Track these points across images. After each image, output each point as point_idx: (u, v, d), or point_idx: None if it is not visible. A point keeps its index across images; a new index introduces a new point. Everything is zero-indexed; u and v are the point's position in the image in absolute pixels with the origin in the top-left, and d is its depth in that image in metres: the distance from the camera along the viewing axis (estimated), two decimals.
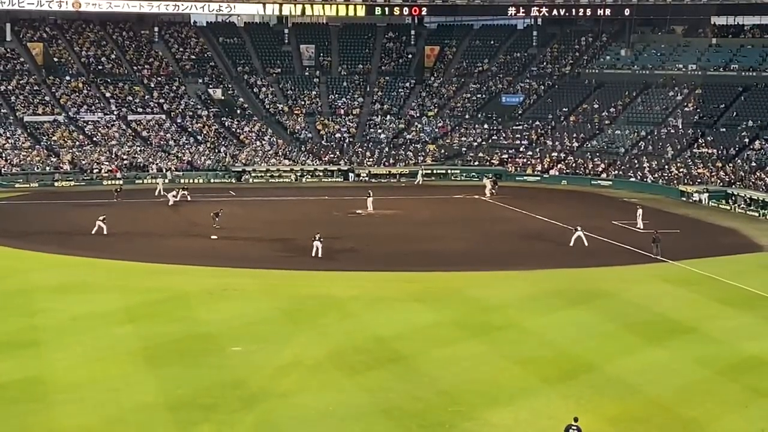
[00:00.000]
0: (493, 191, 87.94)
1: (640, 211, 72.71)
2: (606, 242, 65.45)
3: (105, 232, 65.54)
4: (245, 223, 71.62)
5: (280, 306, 47.63)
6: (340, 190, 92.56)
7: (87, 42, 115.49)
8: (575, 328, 44.40)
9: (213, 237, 65.80)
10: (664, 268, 57.96)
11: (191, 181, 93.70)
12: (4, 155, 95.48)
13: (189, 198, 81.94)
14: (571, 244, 63.20)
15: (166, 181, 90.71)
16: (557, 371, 38.35)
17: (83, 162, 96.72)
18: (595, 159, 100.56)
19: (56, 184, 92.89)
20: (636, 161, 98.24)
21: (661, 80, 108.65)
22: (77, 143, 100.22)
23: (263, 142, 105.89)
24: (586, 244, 63.19)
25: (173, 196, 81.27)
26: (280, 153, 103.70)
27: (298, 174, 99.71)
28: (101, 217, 66.52)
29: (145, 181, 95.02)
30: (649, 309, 48.21)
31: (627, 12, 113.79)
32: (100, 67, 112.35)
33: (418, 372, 38.09)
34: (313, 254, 58.46)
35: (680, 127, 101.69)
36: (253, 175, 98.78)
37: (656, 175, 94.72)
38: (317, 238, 58.90)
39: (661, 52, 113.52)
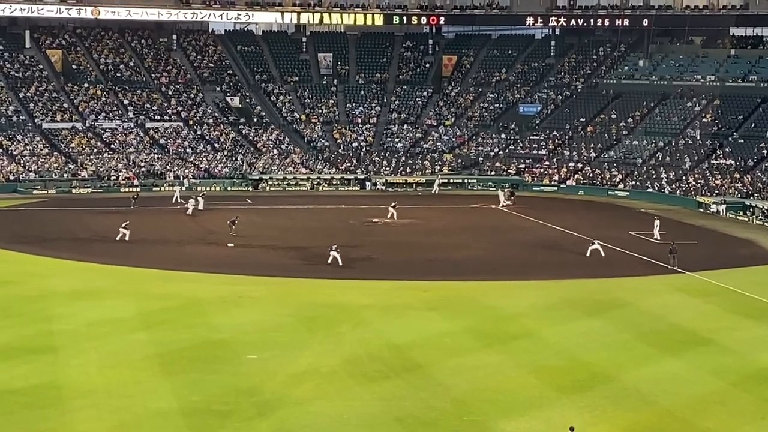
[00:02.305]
0: (509, 201, 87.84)
1: (657, 222, 72.50)
2: (623, 253, 65.28)
3: (127, 239, 65.76)
4: (261, 231, 71.69)
5: (295, 314, 47.63)
6: (356, 198, 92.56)
7: (106, 49, 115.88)
8: (591, 338, 44.30)
9: (229, 245, 65.88)
10: (680, 279, 57.78)
11: (208, 189, 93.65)
12: (22, 162, 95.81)
13: (201, 207, 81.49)
14: (588, 255, 63.08)
15: (183, 188, 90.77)
16: (572, 381, 38.27)
17: (101, 169, 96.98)
18: (613, 169, 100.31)
19: (74, 190, 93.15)
20: (653, 172, 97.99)
21: (679, 91, 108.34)
22: (95, 150, 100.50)
23: (280, 151, 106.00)
24: (603, 254, 63.07)
25: (192, 204, 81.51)
26: (297, 161, 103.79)
27: (315, 182, 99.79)
28: (124, 224, 66.88)
29: (163, 188, 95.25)
30: (665, 319, 48.05)
31: (645, 22, 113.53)
32: (118, 75, 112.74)
33: (433, 381, 38.04)
34: (329, 262, 58.37)
35: (698, 138, 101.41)
36: (269, 183, 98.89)
37: (674, 186, 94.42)
38: (334, 249, 58.72)
39: (679, 62, 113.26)
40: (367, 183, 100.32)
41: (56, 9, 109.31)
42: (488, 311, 48.87)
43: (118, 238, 65.95)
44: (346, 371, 38.86)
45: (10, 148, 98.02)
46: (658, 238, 70.29)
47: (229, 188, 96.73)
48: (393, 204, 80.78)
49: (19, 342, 41.78)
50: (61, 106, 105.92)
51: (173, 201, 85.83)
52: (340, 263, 58.02)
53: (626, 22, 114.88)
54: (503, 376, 38.72)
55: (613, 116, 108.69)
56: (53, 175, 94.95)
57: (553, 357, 41.36)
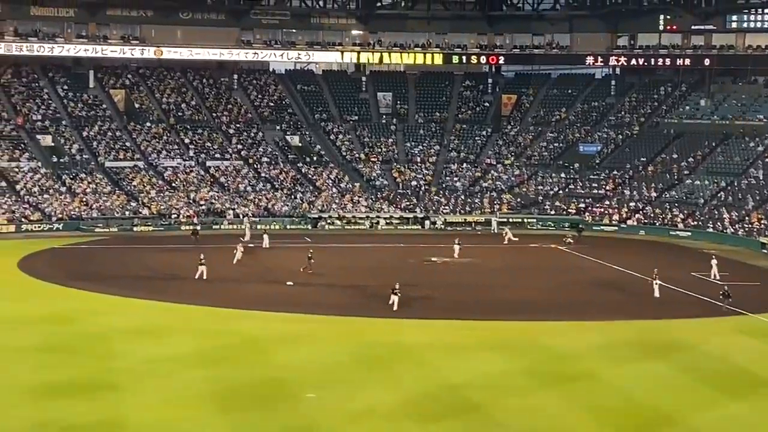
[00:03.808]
0: (571, 240, 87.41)
1: (714, 262, 71.79)
2: (684, 293, 64.60)
3: (204, 276, 66.47)
4: (320, 270, 71.74)
5: (353, 352, 47.56)
6: (415, 237, 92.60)
7: (168, 89, 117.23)
8: (651, 380, 43.77)
9: (288, 283, 66.03)
10: (742, 321, 57.03)
11: (268, 227, 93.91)
12: (85, 200, 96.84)
13: (266, 245, 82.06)
14: (657, 295, 62.53)
15: (259, 227, 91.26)
16: (632, 424, 37.83)
17: (162, 207, 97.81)
18: (674, 209, 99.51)
19: (135, 228, 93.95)
20: (716, 212, 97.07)
21: (741, 131, 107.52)
22: (156, 188, 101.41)
23: (339, 189, 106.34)
24: (657, 295, 62.47)
25: (264, 242, 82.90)
26: (356, 200, 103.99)
27: (374, 221, 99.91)
28: (201, 258, 67.42)
29: (222, 226, 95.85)
30: (727, 361, 47.41)
31: (707, 62, 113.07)
32: (180, 114, 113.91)
33: (491, 421, 37.77)
34: (390, 302, 57.98)
35: (761, 177, 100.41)
36: (328, 221, 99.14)
37: (736, 227, 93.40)
38: (395, 291, 58.08)
39: (741, 102, 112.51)
40: (426, 222, 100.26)
41: (120, 49, 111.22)
42: (547, 351, 48.51)
43: (197, 276, 66.49)
44: (403, 411, 38.68)
45: (73, 187, 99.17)
46: (717, 278, 69.59)
47: (288, 226, 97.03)
48: (457, 240, 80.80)
49: (79, 379, 42.04)
50: (124, 145, 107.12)
51: (244, 239, 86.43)
52: (395, 308, 57.37)
53: (687, 61, 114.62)
54: (562, 418, 38.36)
55: (675, 156, 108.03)
56: (115, 214, 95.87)
57: (613, 399, 40.92)
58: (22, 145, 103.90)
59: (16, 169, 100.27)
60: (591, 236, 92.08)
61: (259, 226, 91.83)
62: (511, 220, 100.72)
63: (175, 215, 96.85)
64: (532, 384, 42.76)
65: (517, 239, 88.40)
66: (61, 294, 62.43)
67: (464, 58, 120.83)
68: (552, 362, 46.47)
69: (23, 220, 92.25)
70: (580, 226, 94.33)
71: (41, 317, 54.30)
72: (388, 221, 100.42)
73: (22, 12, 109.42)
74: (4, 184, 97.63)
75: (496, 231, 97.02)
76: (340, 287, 65.82)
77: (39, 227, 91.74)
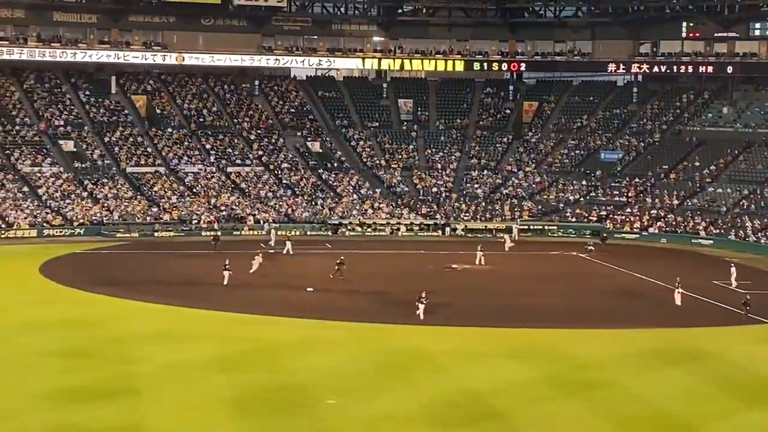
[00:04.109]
0: (592, 248, 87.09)
1: (733, 269, 71.58)
2: (705, 302, 64.29)
3: (225, 282, 66.47)
4: (341, 276, 71.69)
5: (373, 359, 47.49)
6: (435, 244, 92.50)
7: (189, 95, 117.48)
8: (673, 389, 43.54)
9: (308, 289, 66.03)
10: (763, 330, 56.71)
11: (290, 233, 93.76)
12: (106, 205, 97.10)
13: (290, 251, 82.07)
14: (678, 303, 62.25)
15: (287, 233, 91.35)
16: None
17: (182, 213, 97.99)
18: (696, 217, 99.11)
19: (156, 234, 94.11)
20: (738, 220, 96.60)
21: (764, 138, 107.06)
22: (177, 194, 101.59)
23: (360, 195, 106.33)
24: (678, 303, 62.20)
25: (287, 248, 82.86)
26: (377, 206, 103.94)
27: (394, 227, 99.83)
28: (226, 264, 67.42)
29: (243, 232, 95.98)
30: (750, 370, 47.18)
31: (730, 69, 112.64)
32: (201, 120, 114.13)
33: (512, 429, 37.66)
34: (416, 312, 56.77)
35: None
36: (349, 227, 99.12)
37: (759, 235, 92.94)
38: (421, 300, 57.07)
39: (764, 110, 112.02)
40: (447, 228, 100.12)
41: (142, 55, 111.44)
42: (568, 359, 48.32)
43: (225, 282, 66.50)
44: (423, 418, 38.58)
45: (94, 192, 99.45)
46: (736, 285, 69.41)
47: (308, 233, 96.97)
48: (479, 247, 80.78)
49: (100, 383, 42.11)
50: (145, 151, 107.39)
51: (270, 244, 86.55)
52: (422, 317, 56.61)
53: (710, 69, 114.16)
54: (583, 426, 38.21)
55: (697, 163, 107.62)
56: (136, 219, 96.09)
57: (635, 407, 40.71)
58: (44, 150, 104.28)
59: (39, 174, 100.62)
60: (612, 244, 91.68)
61: (280, 233, 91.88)
62: (531, 227, 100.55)
63: (196, 221, 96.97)
64: (553, 392, 42.60)
65: (514, 244, 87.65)
66: (81, 299, 62.61)
67: (485, 64, 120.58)
68: (573, 370, 46.29)
69: (45, 224, 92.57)
70: (604, 234, 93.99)
71: (62, 322, 54.43)
72: (408, 228, 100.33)
73: (45, 18, 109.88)
74: (26, 188, 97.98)
75: (516, 238, 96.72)
76: (360, 293, 65.77)
77: (60, 232, 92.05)
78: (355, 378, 44.03)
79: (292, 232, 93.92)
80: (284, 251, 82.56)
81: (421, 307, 56.55)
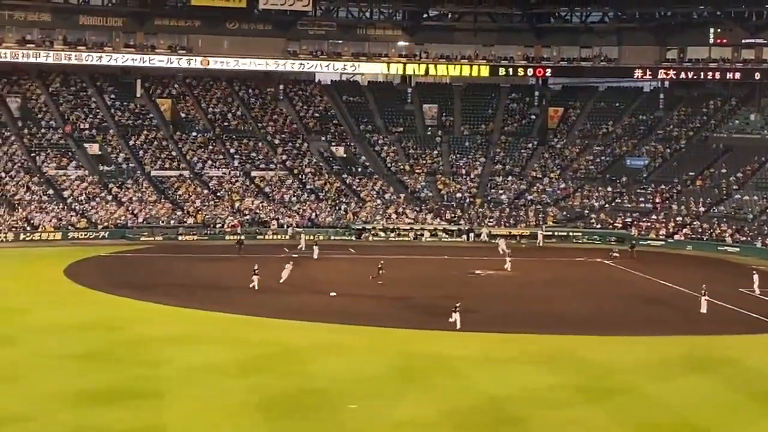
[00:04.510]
0: (617, 254, 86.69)
1: (756, 276, 71.24)
2: (731, 309, 63.83)
3: (256, 286, 66.44)
4: (364, 280, 71.58)
5: (394, 364, 47.29)
6: (459, 249, 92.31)
7: (214, 99, 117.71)
8: (697, 396, 43.17)
9: (332, 294, 65.87)
10: None
11: (317, 237, 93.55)
12: (131, 208, 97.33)
13: (287, 272, 79.62)
14: (703, 310, 61.80)
15: (313, 237, 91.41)
16: None
17: (206, 216, 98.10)
18: (722, 224, 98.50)
19: (180, 237, 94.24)
20: (765, 227, 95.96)
21: None
22: (201, 198, 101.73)
23: (383, 200, 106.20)
24: (703, 310, 61.76)
25: (314, 252, 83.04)
26: (400, 211, 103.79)
27: (418, 233, 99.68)
28: (255, 269, 67.37)
29: (267, 236, 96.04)
30: None
31: (757, 76, 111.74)
32: (225, 123, 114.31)
33: None
34: (451, 320, 55.90)
35: None
36: (372, 232, 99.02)
37: None
38: (456, 309, 55.93)
39: None
40: (471, 234, 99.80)
41: (167, 59, 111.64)
42: (591, 366, 48.01)
43: (252, 286, 66.44)
44: (445, 423, 38.37)
45: (119, 195, 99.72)
46: (758, 292, 69.04)
47: (332, 237, 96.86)
48: (509, 252, 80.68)
49: (122, 386, 42.11)
50: (170, 154, 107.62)
51: (300, 248, 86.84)
52: (458, 326, 55.63)
53: (737, 75, 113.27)
54: None
55: (723, 170, 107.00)
56: (160, 222, 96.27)
57: (658, 415, 40.34)
58: (69, 153, 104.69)
59: (64, 177, 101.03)
60: (637, 251, 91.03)
61: (306, 237, 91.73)
62: (556, 233, 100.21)
63: (220, 225, 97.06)
64: (575, 398, 42.29)
65: (510, 251, 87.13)
66: (105, 301, 62.86)
67: (511, 70, 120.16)
68: (595, 377, 45.99)
69: (70, 227, 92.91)
70: (633, 242, 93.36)
71: (85, 324, 54.59)
72: (432, 233, 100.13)
73: (71, 21, 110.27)
74: (51, 191, 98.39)
75: (541, 244, 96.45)
76: (382, 298, 65.58)
77: (85, 235, 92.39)
78: (376, 383, 43.86)
79: (315, 237, 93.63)
80: (313, 256, 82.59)
81: (456, 316, 55.55)
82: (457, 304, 56.11)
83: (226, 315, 58.54)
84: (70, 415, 38.17)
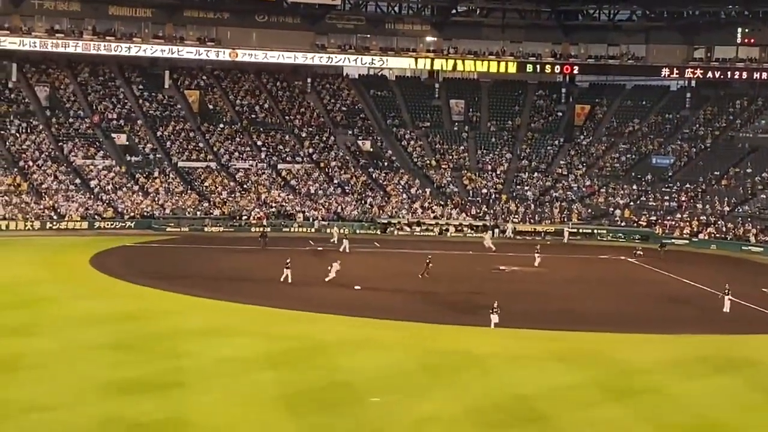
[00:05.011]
0: (641, 252, 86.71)
1: None
2: (754, 309, 63.79)
3: (289, 280, 66.72)
4: (388, 275, 71.85)
5: (419, 359, 47.48)
6: (484, 245, 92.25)
7: (242, 91, 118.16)
8: (720, 396, 43.21)
9: (356, 287, 66.18)
10: None
11: (347, 231, 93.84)
12: (157, 199, 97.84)
13: (347, 249, 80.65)
14: (727, 310, 61.82)
15: (342, 230, 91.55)
16: None
17: (233, 208, 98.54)
18: (747, 224, 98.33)
19: (206, 229, 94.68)
20: None
21: None
22: (228, 189, 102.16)
23: (409, 195, 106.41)
24: (726, 310, 61.79)
25: (344, 246, 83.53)
26: (426, 206, 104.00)
27: (443, 227, 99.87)
28: (287, 262, 67.66)
29: (292, 229, 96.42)
30: None
31: None
32: (253, 116, 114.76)
33: None
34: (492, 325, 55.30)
35: None
36: (398, 227, 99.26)
37: None
38: (495, 310, 55.16)
39: None
40: (495, 230, 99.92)
41: (195, 51, 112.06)
42: (615, 364, 48.11)
43: (283, 279, 66.76)
44: (469, 419, 38.56)
45: (146, 185, 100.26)
46: None
47: (357, 231, 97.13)
48: (538, 247, 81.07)
49: (148, 377, 42.39)
50: (197, 146, 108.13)
51: (332, 241, 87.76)
52: (492, 326, 54.77)
53: (764, 75, 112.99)
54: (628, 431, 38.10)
55: (749, 170, 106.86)
56: (186, 213, 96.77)
57: (681, 414, 40.42)
58: (97, 143, 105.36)
59: (91, 167, 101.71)
60: (663, 250, 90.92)
61: (345, 230, 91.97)
62: (581, 230, 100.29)
63: (246, 217, 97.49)
64: (600, 396, 42.41)
65: (494, 248, 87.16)
66: (131, 292, 63.26)
67: (538, 66, 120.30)
68: (619, 375, 46.08)
69: (96, 217, 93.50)
70: (663, 241, 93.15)
71: (111, 315, 54.91)
72: (457, 228, 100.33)
73: (100, 11, 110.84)
74: (78, 181, 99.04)
75: (566, 241, 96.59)
76: (407, 293, 65.83)
77: (111, 224, 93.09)
78: (401, 378, 44.03)
79: (347, 231, 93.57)
80: (341, 249, 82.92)
81: (494, 317, 54.72)
82: (495, 305, 55.21)
83: (253, 307, 58.78)
84: (96, 405, 38.42)
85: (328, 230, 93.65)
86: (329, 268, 68.50)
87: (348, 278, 69.18)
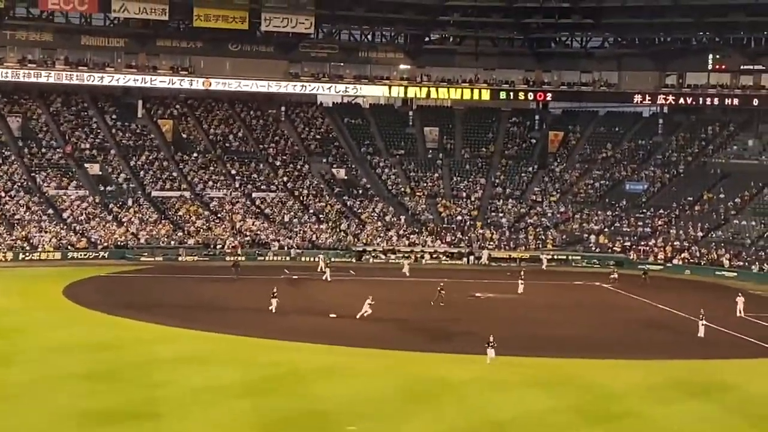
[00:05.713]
0: (616, 277, 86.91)
1: (740, 299, 71.55)
2: (729, 334, 64.03)
3: (274, 309, 66.16)
4: (364, 302, 71.60)
5: (396, 386, 47.40)
6: (459, 272, 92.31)
7: (215, 120, 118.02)
8: (698, 421, 43.33)
9: (331, 315, 66.02)
10: None
11: (310, 259, 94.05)
12: (131, 229, 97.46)
13: (367, 306, 78.69)
14: (701, 335, 61.99)
15: (328, 260, 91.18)
16: None
17: (207, 237, 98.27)
18: (720, 249, 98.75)
19: (180, 258, 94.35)
20: (762, 253, 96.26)
21: None
22: (202, 218, 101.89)
23: (384, 223, 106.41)
24: (701, 335, 61.97)
25: (326, 275, 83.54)
26: (401, 234, 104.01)
27: (418, 255, 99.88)
28: (274, 291, 67.27)
29: (267, 257, 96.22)
30: None
31: (756, 102, 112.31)
32: (227, 145, 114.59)
33: None
34: (488, 360, 53.81)
35: None
36: (373, 255, 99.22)
37: None
38: (491, 344, 53.47)
39: None
40: (471, 257, 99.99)
41: (168, 80, 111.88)
42: (591, 389, 48.17)
43: (271, 309, 66.23)
44: None
45: (119, 215, 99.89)
46: (743, 315, 69.93)
47: (332, 259, 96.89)
48: (521, 273, 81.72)
49: (124, 407, 42.13)
50: (171, 175, 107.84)
51: (318, 270, 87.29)
52: (488, 361, 53.14)
53: (736, 101, 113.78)
54: None
55: (721, 195, 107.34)
56: (161, 243, 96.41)
57: None
58: (70, 173, 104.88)
59: (64, 197, 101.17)
60: (635, 275, 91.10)
61: (331, 259, 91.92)
62: (555, 257, 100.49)
63: (220, 246, 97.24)
64: (577, 422, 42.44)
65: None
66: (106, 322, 62.84)
67: (511, 94, 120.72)
68: (596, 400, 46.15)
69: (69, 247, 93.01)
70: (647, 267, 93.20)
71: (86, 345, 54.59)
72: (432, 256, 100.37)
73: (72, 41, 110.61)
74: (51, 211, 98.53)
75: (545, 268, 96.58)
76: (383, 320, 65.59)
77: (85, 255, 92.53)
78: (378, 405, 43.95)
79: (315, 259, 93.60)
80: (324, 278, 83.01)
81: (491, 351, 53.21)
82: (491, 339, 53.64)
83: (229, 336, 58.55)
84: None
85: (304, 258, 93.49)
86: (365, 304, 65.95)
87: (324, 306, 69.06)
